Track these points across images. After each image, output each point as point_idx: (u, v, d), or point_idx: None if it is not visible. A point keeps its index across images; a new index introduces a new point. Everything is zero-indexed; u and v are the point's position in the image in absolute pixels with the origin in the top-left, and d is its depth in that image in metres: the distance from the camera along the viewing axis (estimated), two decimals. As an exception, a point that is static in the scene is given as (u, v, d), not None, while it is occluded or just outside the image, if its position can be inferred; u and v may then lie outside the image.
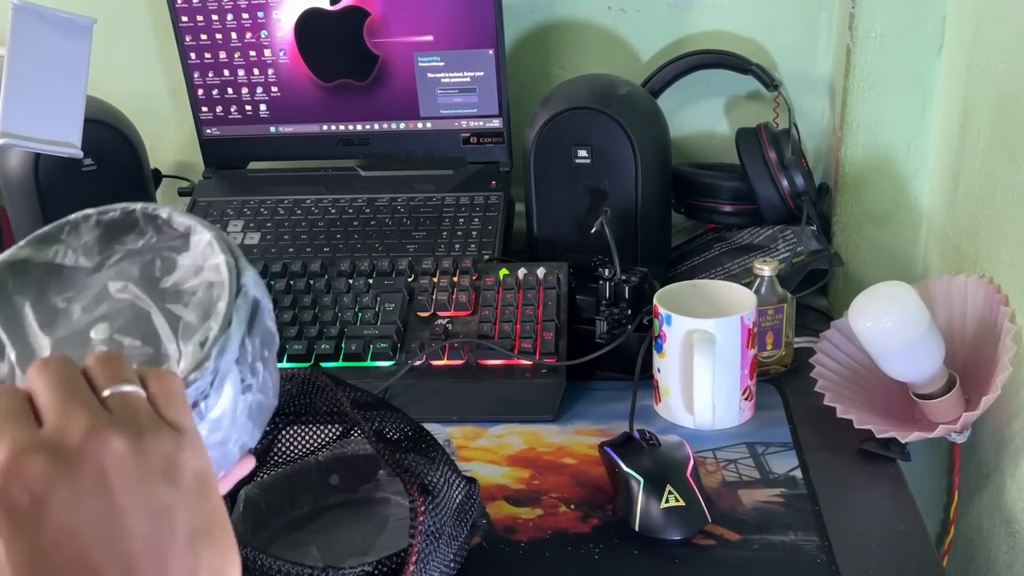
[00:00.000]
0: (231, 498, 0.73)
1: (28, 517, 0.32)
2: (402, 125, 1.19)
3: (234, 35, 1.17)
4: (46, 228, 0.47)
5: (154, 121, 1.28)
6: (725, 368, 0.85)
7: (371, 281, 1.04)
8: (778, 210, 1.10)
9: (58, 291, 0.46)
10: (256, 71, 1.19)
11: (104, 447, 0.33)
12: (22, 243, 0.48)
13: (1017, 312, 0.81)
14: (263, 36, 1.17)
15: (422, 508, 0.62)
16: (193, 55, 1.19)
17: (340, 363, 0.96)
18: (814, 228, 1.08)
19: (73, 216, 0.47)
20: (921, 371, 0.81)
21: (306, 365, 0.97)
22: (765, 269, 0.93)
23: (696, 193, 1.16)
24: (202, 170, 1.24)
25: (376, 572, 0.63)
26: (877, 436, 0.81)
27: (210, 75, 1.20)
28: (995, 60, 0.87)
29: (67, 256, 0.47)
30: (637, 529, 0.73)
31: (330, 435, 0.79)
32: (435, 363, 0.95)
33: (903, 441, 0.80)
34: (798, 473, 0.81)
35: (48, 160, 1.10)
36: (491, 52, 1.14)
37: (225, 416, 0.43)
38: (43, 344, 0.44)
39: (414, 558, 0.62)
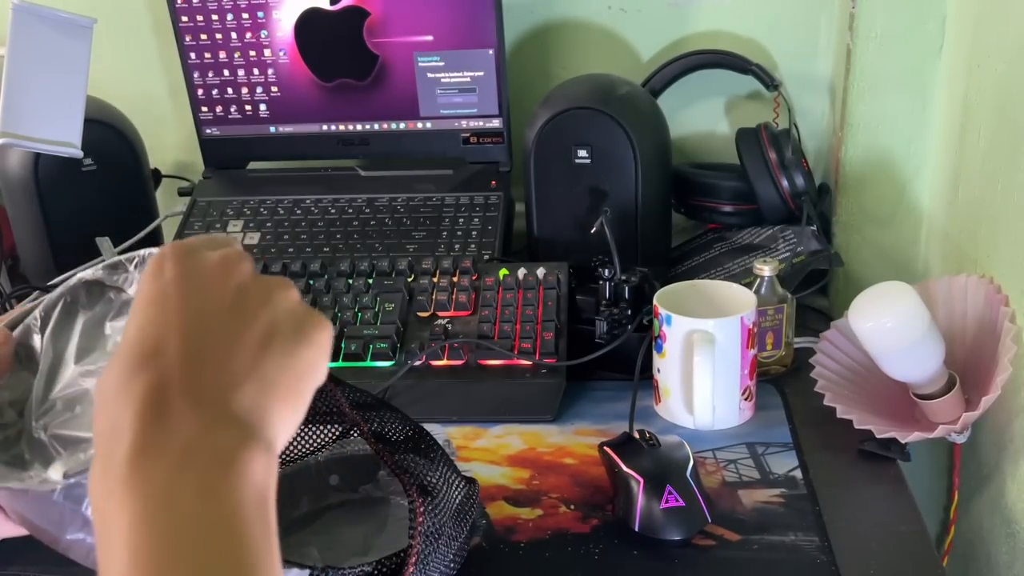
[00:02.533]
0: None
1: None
2: (402, 125, 1.19)
3: (234, 35, 1.17)
4: (123, 256, 0.50)
5: (154, 121, 1.28)
6: (725, 368, 0.85)
7: (371, 281, 1.04)
8: (778, 210, 1.10)
9: (112, 318, 0.48)
10: (256, 71, 1.19)
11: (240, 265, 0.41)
12: (101, 264, 0.50)
13: (1017, 312, 0.81)
14: (263, 36, 1.17)
15: (421, 509, 0.62)
16: (193, 55, 1.19)
17: (340, 363, 0.96)
18: (814, 228, 1.08)
19: (145, 251, 0.50)
20: (921, 371, 0.81)
21: (306, 365, 0.97)
22: (765, 269, 0.93)
23: (696, 193, 1.16)
24: (202, 170, 1.24)
25: (376, 572, 0.63)
26: (877, 436, 0.81)
27: (210, 75, 1.20)
28: (996, 60, 0.87)
29: (132, 286, 0.50)
30: (637, 529, 0.73)
31: (329, 435, 0.79)
32: (435, 363, 0.94)
33: (903, 441, 0.80)
34: (798, 473, 0.81)
35: (48, 160, 1.10)
36: (491, 52, 1.14)
37: None
38: (69, 365, 0.46)
39: (414, 559, 0.62)
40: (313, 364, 0.41)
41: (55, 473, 0.43)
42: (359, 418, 0.67)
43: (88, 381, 0.46)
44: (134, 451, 0.35)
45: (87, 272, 0.49)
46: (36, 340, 0.48)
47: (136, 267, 0.50)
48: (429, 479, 0.64)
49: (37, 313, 0.49)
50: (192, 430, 0.35)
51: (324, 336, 0.41)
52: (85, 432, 0.44)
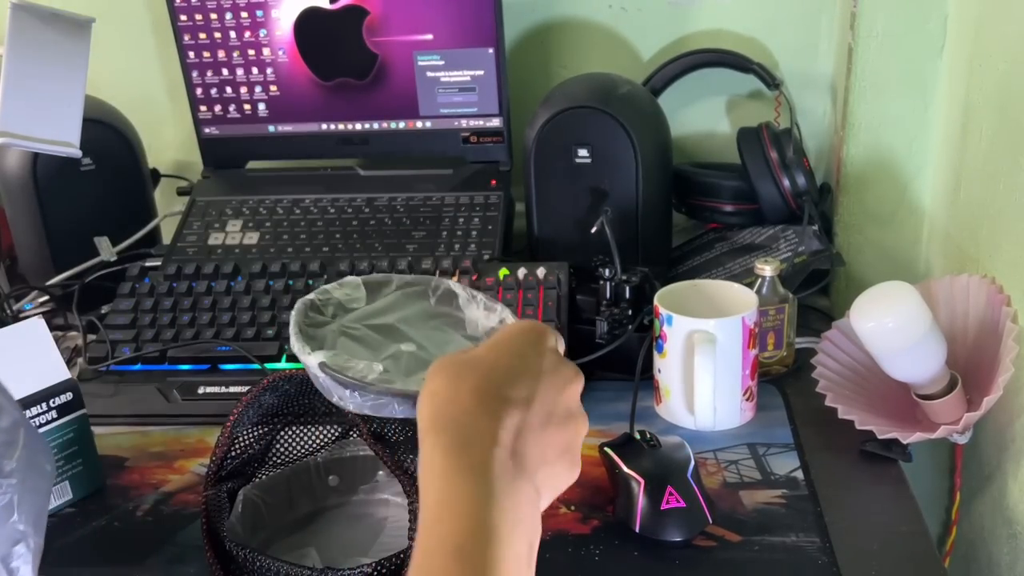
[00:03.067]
0: (230, 499, 0.72)
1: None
2: (402, 124, 1.19)
3: (233, 34, 1.17)
4: (487, 299, 0.67)
5: (153, 120, 1.28)
6: (726, 369, 0.85)
7: (370, 281, 1.03)
8: (779, 210, 1.10)
9: (435, 323, 0.66)
10: (255, 70, 1.19)
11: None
12: (474, 299, 0.67)
13: (1019, 312, 0.80)
14: (262, 35, 1.17)
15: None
16: (192, 54, 1.18)
17: (339, 363, 0.96)
18: (815, 228, 1.07)
19: (507, 313, 0.66)
20: (923, 371, 0.81)
21: (305, 365, 0.96)
22: (766, 269, 0.92)
23: (697, 193, 1.16)
24: (201, 169, 1.24)
25: (375, 573, 0.62)
26: (879, 437, 0.80)
27: (209, 74, 1.19)
28: (997, 59, 0.87)
29: (469, 313, 0.67)
30: (638, 530, 0.73)
31: (329, 436, 0.78)
32: (435, 363, 0.94)
33: (905, 442, 0.80)
34: (799, 474, 0.80)
35: (46, 159, 1.10)
36: (491, 51, 1.13)
37: None
38: (389, 317, 0.65)
39: (413, 560, 0.61)
40: (565, 487, 0.51)
41: (316, 356, 0.58)
42: (359, 419, 0.67)
43: (389, 345, 0.61)
44: (491, 452, 0.46)
45: (457, 285, 0.65)
46: (389, 289, 0.65)
47: (487, 312, 0.65)
48: None
49: (405, 278, 0.66)
50: (523, 468, 0.47)
51: (576, 475, 0.52)
52: (362, 359, 0.59)
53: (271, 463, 0.77)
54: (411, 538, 0.62)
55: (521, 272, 1.01)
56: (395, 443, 0.67)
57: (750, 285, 0.92)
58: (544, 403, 0.49)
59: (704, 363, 0.82)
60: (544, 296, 0.98)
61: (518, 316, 0.97)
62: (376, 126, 1.20)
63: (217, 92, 1.20)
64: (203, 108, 1.21)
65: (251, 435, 0.73)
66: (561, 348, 0.54)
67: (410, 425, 0.70)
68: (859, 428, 0.80)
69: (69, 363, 0.99)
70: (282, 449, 0.77)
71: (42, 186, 1.12)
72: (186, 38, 1.18)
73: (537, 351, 0.52)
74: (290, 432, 0.77)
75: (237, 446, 0.72)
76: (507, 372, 0.50)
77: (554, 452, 0.49)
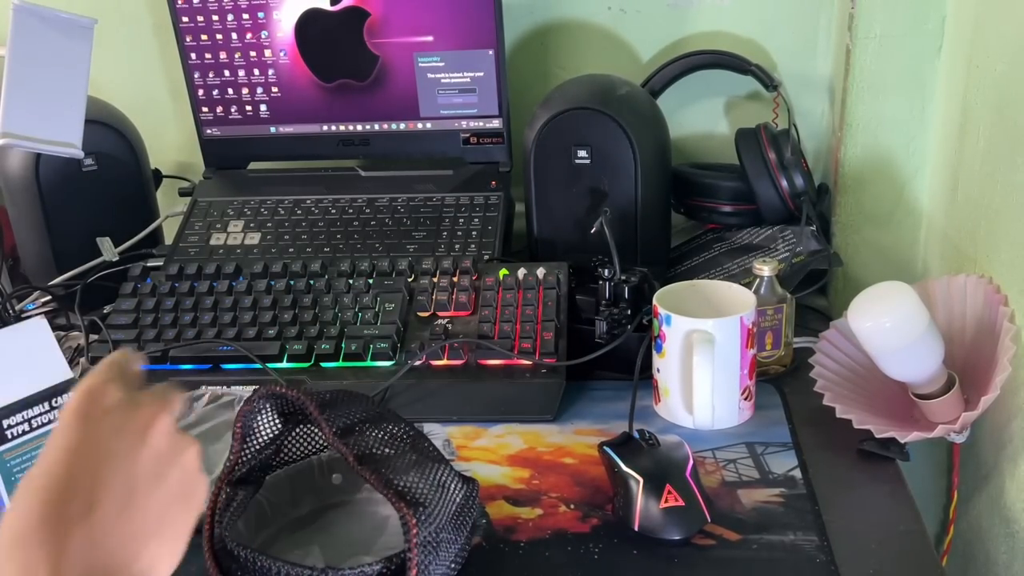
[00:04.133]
0: (240, 505, 0.72)
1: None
2: (402, 125, 1.19)
3: (234, 35, 1.17)
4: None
5: (154, 121, 1.28)
6: (724, 368, 0.85)
7: (371, 281, 1.04)
8: (778, 210, 1.10)
9: None
10: (256, 71, 1.19)
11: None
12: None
13: (1016, 312, 0.81)
14: (263, 36, 1.17)
15: (413, 522, 0.62)
16: (193, 55, 1.19)
17: (340, 363, 0.96)
18: (813, 228, 1.08)
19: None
20: (920, 371, 0.81)
21: (306, 365, 0.97)
22: (765, 269, 0.93)
23: (696, 193, 1.16)
24: (202, 170, 1.24)
25: (377, 572, 0.63)
26: (876, 436, 0.81)
27: (210, 75, 1.20)
28: (995, 60, 0.87)
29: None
30: (637, 529, 0.73)
31: (331, 435, 0.79)
32: (435, 363, 0.95)
33: (902, 441, 0.80)
34: (797, 473, 0.81)
35: (49, 160, 1.10)
36: (491, 52, 1.14)
37: None
38: None
39: (414, 571, 0.61)
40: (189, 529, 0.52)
41: None
42: (343, 446, 0.65)
43: None
44: None
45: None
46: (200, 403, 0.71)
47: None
48: (420, 489, 0.64)
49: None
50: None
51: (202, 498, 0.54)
52: None
53: (274, 463, 0.77)
54: (408, 549, 0.62)
55: (521, 272, 1.02)
56: (383, 457, 0.66)
57: (748, 285, 0.92)
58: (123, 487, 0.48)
59: (703, 363, 0.83)
60: (544, 296, 0.99)
61: (516, 319, 0.97)
62: (377, 127, 1.20)
63: (219, 93, 1.21)
64: (205, 109, 1.22)
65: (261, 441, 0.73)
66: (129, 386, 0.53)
67: (405, 429, 0.70)
68: (857, 427, 0.81)
69: (71, 363, 0.99)
70: (286, 448, 0.77)
71: (44, 187, 1.12)
72: (188, 39, 1.18)
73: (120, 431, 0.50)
74: (293, 432, 0.77)
75: (248, 451, 0.72)
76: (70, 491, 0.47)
77: (157, 510, 0.49)
